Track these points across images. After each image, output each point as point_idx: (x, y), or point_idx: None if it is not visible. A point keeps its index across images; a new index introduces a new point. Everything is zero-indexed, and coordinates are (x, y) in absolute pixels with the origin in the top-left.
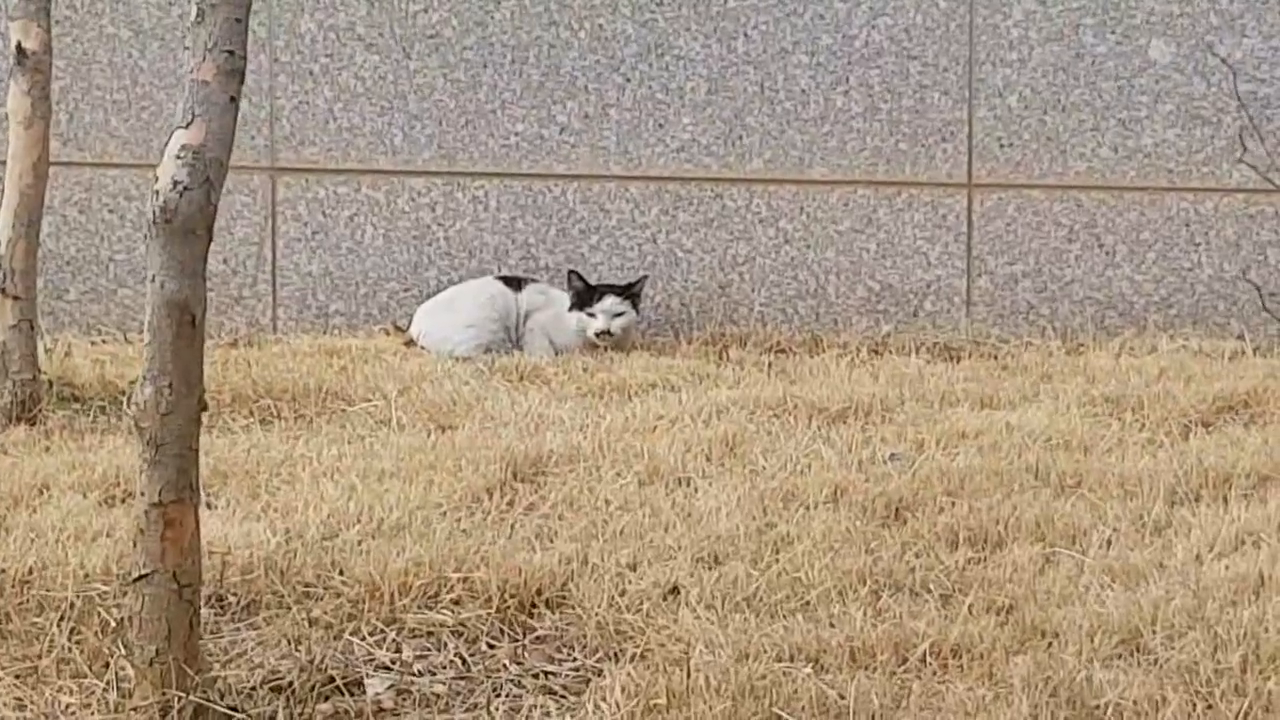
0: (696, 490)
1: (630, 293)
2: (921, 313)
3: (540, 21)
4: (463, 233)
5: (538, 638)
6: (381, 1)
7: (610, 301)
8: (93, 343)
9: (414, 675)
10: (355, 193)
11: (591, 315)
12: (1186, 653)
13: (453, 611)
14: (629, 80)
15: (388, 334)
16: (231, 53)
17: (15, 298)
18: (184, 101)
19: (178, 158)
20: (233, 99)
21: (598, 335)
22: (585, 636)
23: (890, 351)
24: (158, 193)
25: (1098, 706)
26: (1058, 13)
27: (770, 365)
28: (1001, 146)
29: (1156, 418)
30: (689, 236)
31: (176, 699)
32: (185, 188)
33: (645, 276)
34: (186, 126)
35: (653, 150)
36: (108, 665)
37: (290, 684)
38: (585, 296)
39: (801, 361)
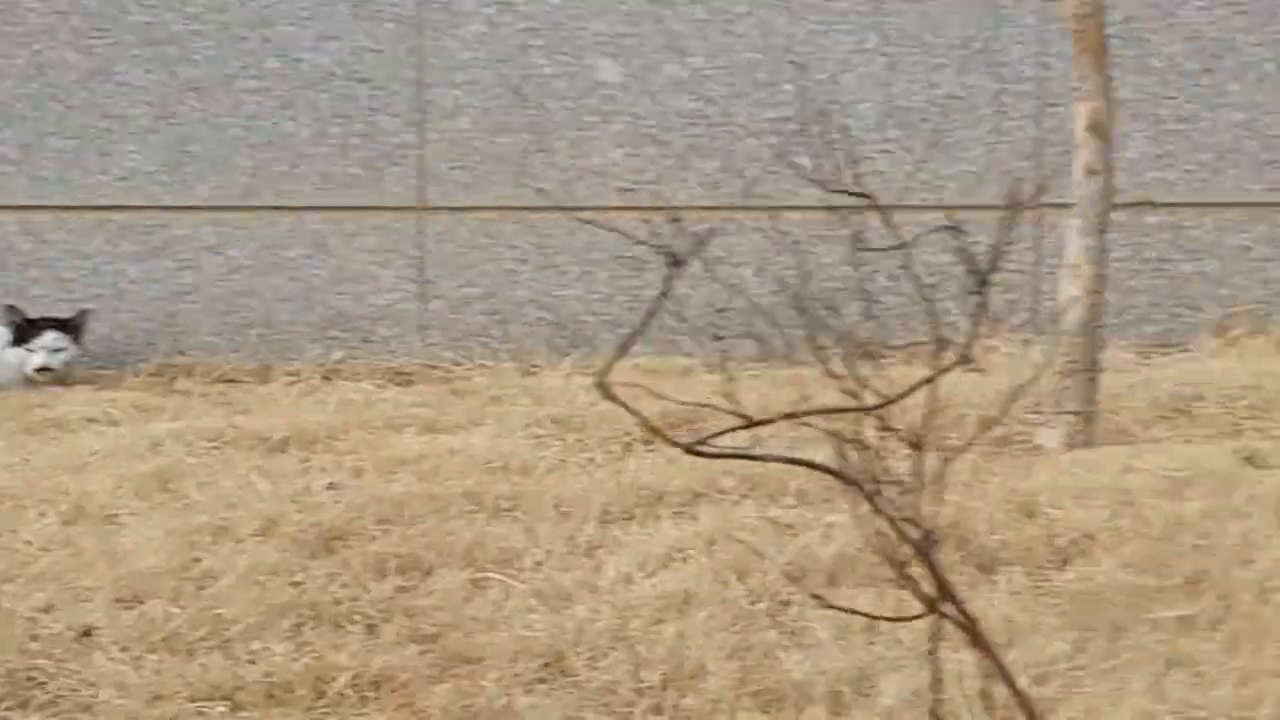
0: (123, 528)
1: (72, 326)
2: (375, 338)
3: None
4: None
5: None
6: None
7: (51, 336)
8: None
9: None
10: None
11: (30, 350)
12: (609, 672)
13: None
14: (70, 108)
15: None
16: None
17: None
18: None
19: None
20: None
21: (37, 371)
22: None
23: (342, 378)
24: None
25: None
26: (506, 35)
27: (218, 395)
28: (452, 169)
29: (599, 438)
30: (134, 266)
31: None
32: None
33: (88, 309)
34: None
35: (95, 179)
36: None
37: None
38: (25, 331)
39: (250, 391)
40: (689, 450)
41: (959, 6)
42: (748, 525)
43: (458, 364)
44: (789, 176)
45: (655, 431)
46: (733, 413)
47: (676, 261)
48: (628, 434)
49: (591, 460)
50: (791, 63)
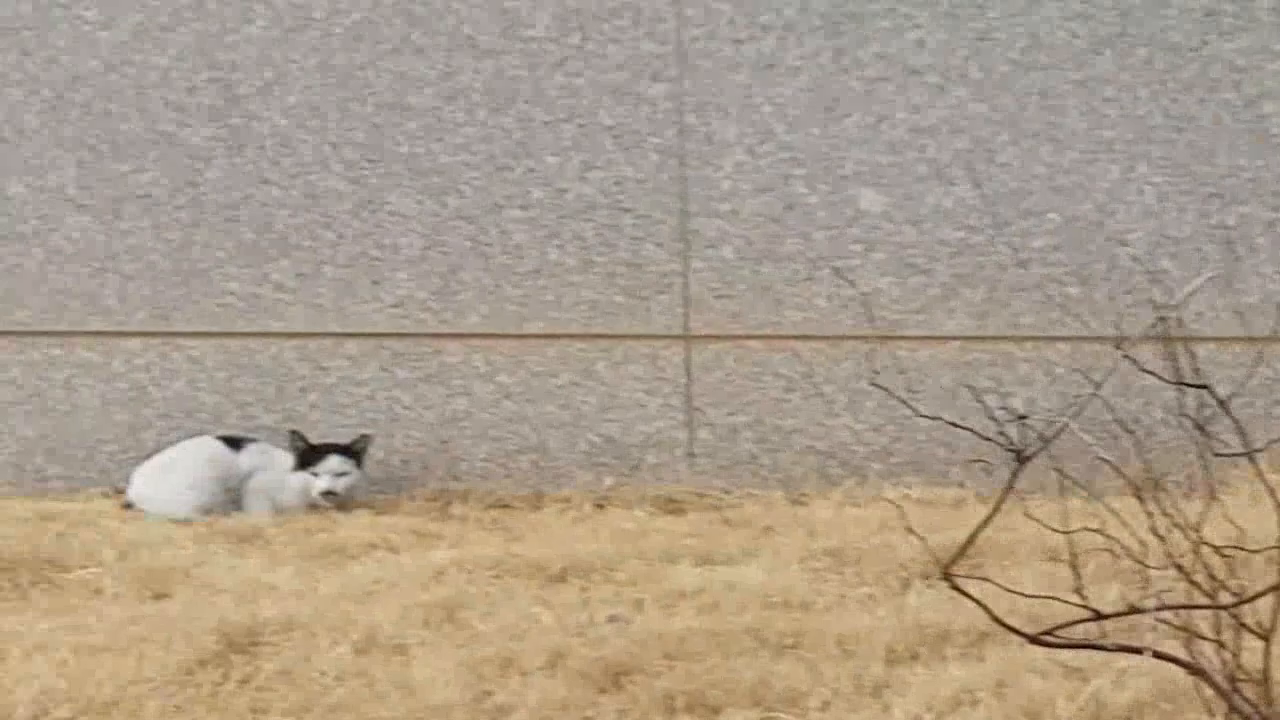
0: (413, 658)
1: (354, 451)
2: (644, 465)
3: (251, 180)
4: (180, 393)
5: None
6: (90, 163)
7: (334, 461)
8: None
9: None
10: (69, 355)
11: (315, 475)
12: None
13: None
14: (342, 237)
15: (107, 497)
16: None
17: None
18: None
19: None
20: None
21: (322, 495)
22: None
23: (613, 505)
24: None
25: None
26: (768, 164)
27: (493, 522)
28: (717, 298)
29: (876, 572)
30: (408, 393)
31: None
32: None
33: (368, 435)
34: None
35: (368, 306)
36: None
37: None
38: (309, 456)
39: (523, 517)
40: (1035, 641)
41: (1227, 136)
42: (1037, 668)
43: (727, 492)
44: (1057, 306)
45: (1000, 623)
46: (1080, 605)
47: (1022, 458)
48: (903, 569)
49: (871, 596)
50: (1055, 191)
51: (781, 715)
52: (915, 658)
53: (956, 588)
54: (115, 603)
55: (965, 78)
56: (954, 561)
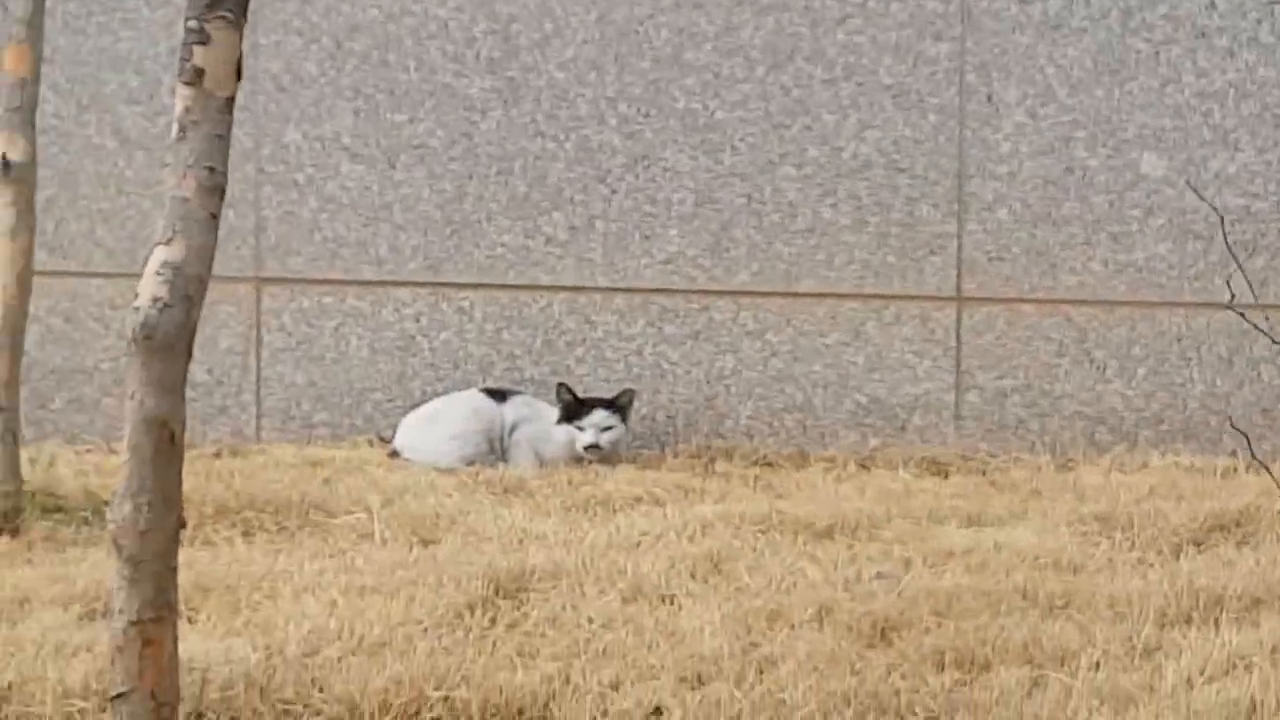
0: (680, 608)
1: (619, 406)
2: (910, 427)
3: (526, 133)
4: (448, 344)
5: None
6: (367, 112)
7: (600, 415)
8: (77, 453)
9: None
10: (340, 303)
11: (580, 429)
12: None
13: None
14: (615, 192)
15: (372, 445)
16: (212, 169)
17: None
18: (165, 217)
19: (158, 274)
20: (213, 215)
21: (586, 449)
22: None
23: (878, 466)
24: (138, 309)
25: None
26: (1048, 126)
27: (756, 479)
28: (990, 260)
29: (1147, 537)
30: (675, 349)
31: None
32: (165, 305)
33: (634, 390)
34: (167, 243)
35: (639, 262)
36: None
37: None
38: (574, 410)
39: (788, 475)
40: None
41: None
42: None
43: (993, 456)
44: None
45: None
46: None
47: None
48: (1176, 534)
49: (1141, 560)
50: None
51: (1052, 674)
52: (1188, 621)
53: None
54: (383, 547)
55: (1255, 41)
56: None
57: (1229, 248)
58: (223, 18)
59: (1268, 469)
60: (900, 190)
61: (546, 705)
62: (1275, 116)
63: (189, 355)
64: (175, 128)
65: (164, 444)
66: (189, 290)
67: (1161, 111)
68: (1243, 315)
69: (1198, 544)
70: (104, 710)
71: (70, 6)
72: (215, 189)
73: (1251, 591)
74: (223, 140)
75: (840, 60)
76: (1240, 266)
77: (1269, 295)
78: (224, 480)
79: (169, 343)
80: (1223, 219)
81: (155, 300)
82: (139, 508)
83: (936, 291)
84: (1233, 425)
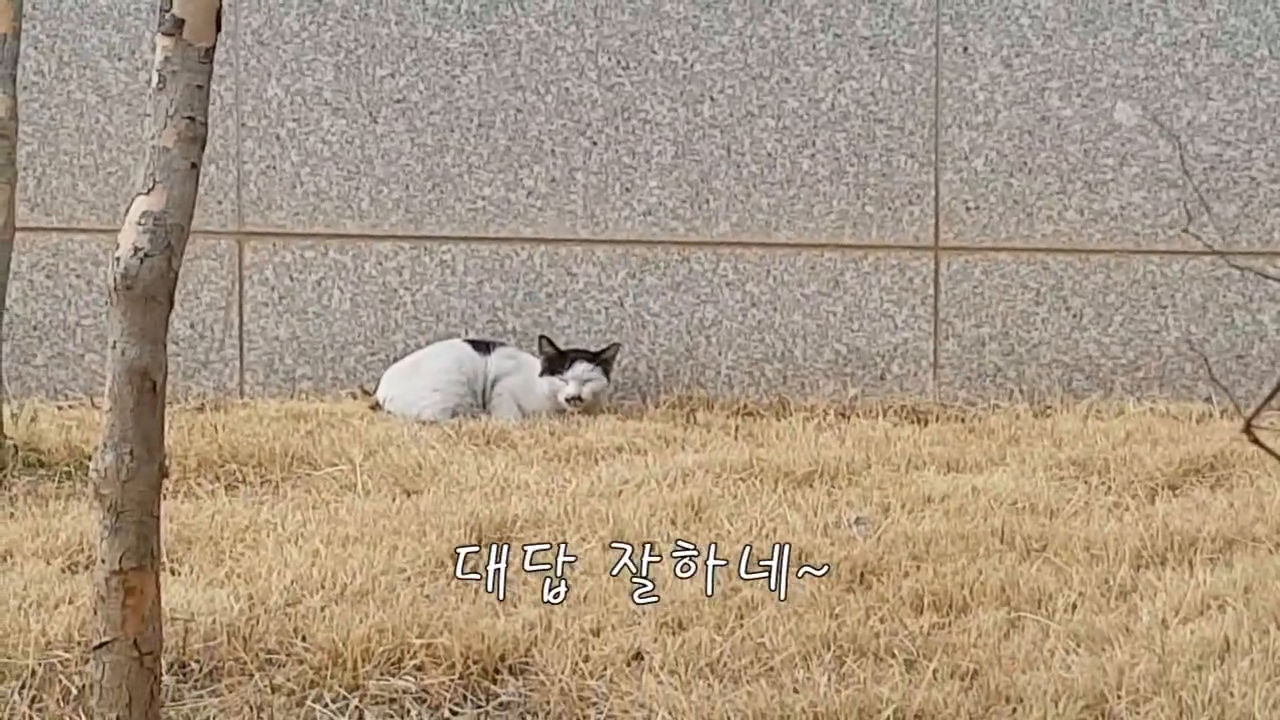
0: (661, 555)
1: (602, 359)
2: (889, 376)
3: (506, 86)
4: (430, 296)
5: (501, 704)
6: (348, 66)
7: (582, 368)
8: (59, 408)
9: None
10: (322, 257)
11: (563, 381)
12: (1152, 718)
13: (416, 678)
14: (595, 144)
15: (355, 398)
16: (192, 119)
17: None
18: (145, 168)
19: (138, 224)
20: (194, 165)
21: (569, 400)
22: (549, 703)
23: (857, 414)
24: (118, 259)
25: None
26: (1023, 76)
27: (737, 428)
28: (968, 210)
29: (1123, 481)
30: (656, 300)
31: None
32: (146, 254)
33: (618, 344)
34: (147, 193)
35: (619, 214)
36: None
37: None
38: (556, 362)
39: (768, 424)
40: None
41: None
42: None
43: (971, 404)
44: None
45: None
46: None
47: None
48: (1151, 479)
49: (1117, 504)
50: None
51: (1029, 615)
52: (1162, 563)
53: (1257, 441)
54: (366, 498)
55: None
56: (1256, 415)
57: (1200, 196)
58: None
59: (1268, 449)
60: (878, 141)
61: (528, 651)
62: (1246, 65)
63: (170, 304)
64: (155, 78)
65: (145, 393)
66: (170, 240)
67: (1134, 61)
68: (1225, 258)
69: (1173, 488)
70: (87, 661)
71: None
72: (195, 139)
73: (1225, 533)
74: (202, 90)
75: (818, 12)
76: (1210, 211)
77: (1238, 243)
78: (207, 434)
79: (150, 292)
80: (1183, 159)
81: (136, 250)
82: (121, 457)
83: (914, 241)
84: (1211, 377)
